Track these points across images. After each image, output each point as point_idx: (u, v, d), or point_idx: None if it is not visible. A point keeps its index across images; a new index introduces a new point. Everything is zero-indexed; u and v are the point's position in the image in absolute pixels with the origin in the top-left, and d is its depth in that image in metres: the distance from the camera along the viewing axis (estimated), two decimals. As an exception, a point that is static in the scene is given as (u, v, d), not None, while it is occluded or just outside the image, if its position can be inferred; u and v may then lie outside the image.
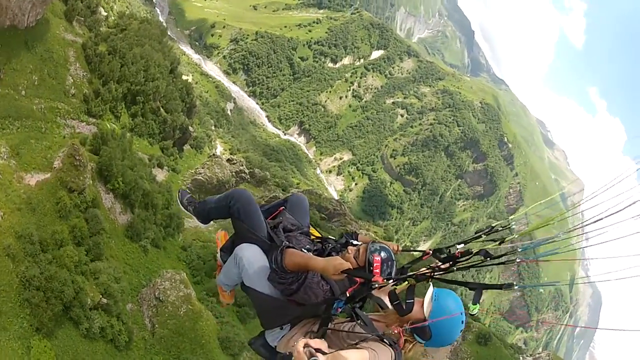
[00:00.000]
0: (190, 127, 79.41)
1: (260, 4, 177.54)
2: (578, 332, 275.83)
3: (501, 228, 4.98)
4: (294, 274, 4.59)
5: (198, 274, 53.69)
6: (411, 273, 4.23)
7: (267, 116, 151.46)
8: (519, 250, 3.93)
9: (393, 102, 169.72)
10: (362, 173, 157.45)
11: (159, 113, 71.45)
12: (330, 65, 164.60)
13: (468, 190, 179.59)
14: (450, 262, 4.22)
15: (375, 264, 4.46)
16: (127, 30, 73.00)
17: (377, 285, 4.24)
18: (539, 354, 54.84)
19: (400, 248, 5.80)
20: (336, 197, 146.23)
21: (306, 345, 3.48)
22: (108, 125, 60.38)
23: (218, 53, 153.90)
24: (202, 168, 75.95)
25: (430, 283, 4.33)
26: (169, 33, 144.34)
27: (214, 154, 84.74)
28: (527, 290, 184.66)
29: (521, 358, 54.45)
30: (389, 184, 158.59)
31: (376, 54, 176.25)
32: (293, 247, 4.84)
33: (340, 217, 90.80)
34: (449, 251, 4.57)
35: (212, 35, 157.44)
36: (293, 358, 3.52)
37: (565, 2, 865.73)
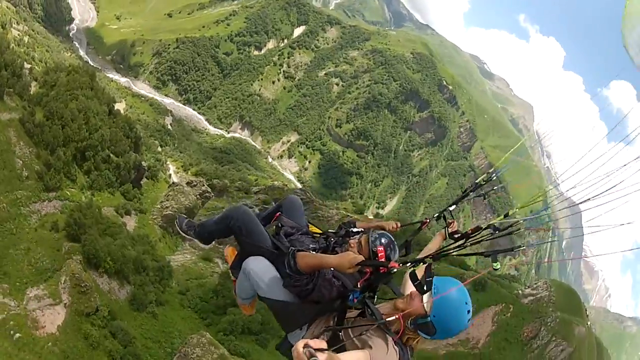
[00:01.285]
0: (142, 163, 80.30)
1: (175, 10, 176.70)
2: (565, 245, 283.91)
3: (484, 182, 5.69)
4: (308, 276, 4.71)
5: (207, 315, 53.73)
6: (427, 254, 4.37)
7: (206, 119, 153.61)
8: (522, 221, 4.36)
9: (325, 74, 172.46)
10: (312, 150, 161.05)
11: (110, 160, 71.72)
12: (256, 53, 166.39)
13: (419, 139, 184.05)
14: (464, 240, 4.54)
15: (379, 254, 4.69)
16: (56, 85, 72.58)
17: (394, 271, 4.39)
18: (536, 283, 57.19)
19: (399, 225, 5.99)
20: (295, 181, 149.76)
21: (306, 346, 3.48)
22: (67, 192, 60.75)
23: (144, 70, 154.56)
24: (167, 200, 76.31)
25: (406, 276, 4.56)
26: (91, 63, 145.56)
27: (173, 183, 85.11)
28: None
29: (520, 292, 56.12)
30: (341, 153, 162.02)
31: (298, 31, 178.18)
32: (302, 250, 4.98)
33: (308, 204, 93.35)
34: (447, 223, 5.14)
35: (134, 54, 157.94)
36: (293, 358, 3.54)
37: None
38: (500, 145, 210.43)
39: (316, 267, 4.64)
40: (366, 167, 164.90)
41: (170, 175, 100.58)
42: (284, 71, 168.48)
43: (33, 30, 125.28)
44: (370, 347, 4.02)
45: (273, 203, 58.19)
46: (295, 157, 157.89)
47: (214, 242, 6.14)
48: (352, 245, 5.01)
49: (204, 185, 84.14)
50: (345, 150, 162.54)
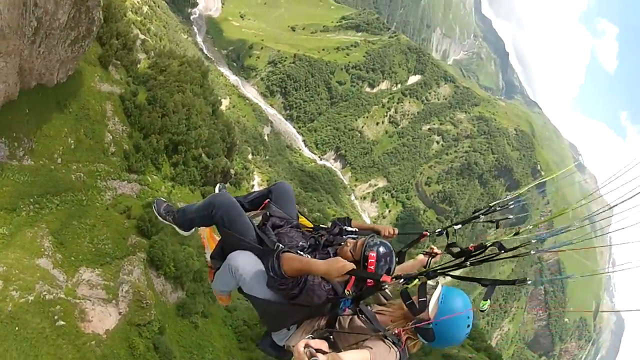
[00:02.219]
0: (231, 170, 79.49)
1: (299, 26, 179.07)
2: (600, 358, 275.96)
3: (499, 208, 5.26)
4: (293, 279, 4.48)
5: (244, 339, 53.41)
6: (422, 271, 4.11)
7: (303, 140, 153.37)
8: (533, 241, 3.90)
9: (429, 129, 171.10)
10: (396, 200, 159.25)
11: (201, 159, 71.19)
12: (368, 90, 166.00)
13: (500, 217, 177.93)
14: (464, 257, 4.18)
15: (370, 260, 4.43)
16: (166, 71, 71.80)
17: (386, 287, 4.20)
18: None
19: (396, 232, 5.82)
20: (368, 222, 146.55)
21: (306, 346, 3.52)
22: (149, 178, 59.71)
23: (256, 75, 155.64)
24: None
25: (439, 283, 4.27)
26: (205, 52, 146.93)
27: None
28: (552, 320, 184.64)
29: None
30: (422, 211, 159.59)
31: (413, 79, 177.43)
32: (288, 251, 4.70)
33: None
34: (454, 244, 4.67)
35: (250, 56, 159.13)
36: (293, 358, 3.57)
37: (597, 25, 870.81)
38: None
39: (301, 272, 4.43)
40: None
41: (253, 186, 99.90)
42: (390, 115, 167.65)
43: (154, 3, 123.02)
44: (370, 348, 3.97)
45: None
46: (377, 202, 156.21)
47: (193, 230, 5.78)
48: (348, 243, 4.76)
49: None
50: (426, 210, 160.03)
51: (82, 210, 46.78)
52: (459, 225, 5.55)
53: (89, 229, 45.33)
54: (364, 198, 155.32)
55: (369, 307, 4.45)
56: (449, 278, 4.37)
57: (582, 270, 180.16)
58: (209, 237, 6.01)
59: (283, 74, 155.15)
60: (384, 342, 4.09)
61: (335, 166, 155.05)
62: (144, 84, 66.90)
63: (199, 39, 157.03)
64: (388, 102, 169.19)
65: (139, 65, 70.39)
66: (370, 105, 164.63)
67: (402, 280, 4.12)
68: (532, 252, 3.89)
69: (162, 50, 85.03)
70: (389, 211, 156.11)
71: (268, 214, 5.51)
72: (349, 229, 5.37)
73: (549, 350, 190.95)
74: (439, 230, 5.72)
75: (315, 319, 4.66)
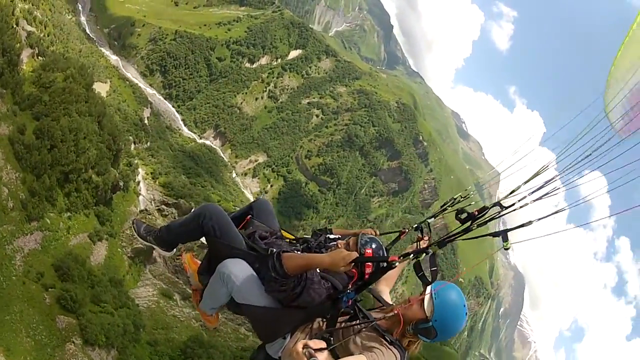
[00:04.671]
0: (120, 182, 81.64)
1: (181, 0, 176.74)
2: (503, 311, 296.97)
3: (462, 198, 5.82)
4: (294, 278, 4.52)
5: None
6: (432, 242, 4.34)
7: (182, 120, 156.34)
8: (526, 197, 4.31)
9: (309, 103, 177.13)
10: (277, 175, 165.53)
11: (91, 180, 73.50)
12: (248, 65, 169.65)
13: (382, 187, 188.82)
14: (470, 221, 4.40)
15: (367, 255, 4.66)
16: (50, 88, 73.33)
17: (396, 264, 4.32)
18: None
19: (377, 233, 5.82)
20: (251, 199, 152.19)
21: (305, 346, 3.65)
22: (47, 220, 62.88)
23: (136, 54, 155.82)
24: None
25: (383, 289, 4.70)
26: (87, 31, 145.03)
27: (145, 210, 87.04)
28: (446, 280, 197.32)
29: None
30: (304, 184, 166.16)
31: (294, 53, 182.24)
32: (287, 251, 4.81)
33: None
34: (463, 210, 4.69)
35: (132, 34, 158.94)
36: (292, 359, 3.69)
37: (493, 8, 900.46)
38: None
39: (306, 267, 4.54)
40: (325, 203, 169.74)
41: (139, 182, 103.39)
42: (269, 90, 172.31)
43: None
44: (369, 350, 4.15)
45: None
46: (258, 178, 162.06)
47: (175, 250, 5.96)
48: (340, 246, 5.02)
49: (174, 214, 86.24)
50: (308, 183, 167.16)
51: (7, 297, 49.57)
52: (432, 219, 5.97)
53: (19, 318, 48.67)
54: (245, 174, 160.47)
55: (369, 311, 4.65)
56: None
57: (477, 254, 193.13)
58: (190, 261, 5.99)
59: (163, 51, 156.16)
60: (381, 342, 4.23)
61: (215, 144, 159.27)
62: (30, 108, 68.82)
63: (82, 18, 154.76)
64: (267, 77, 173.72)
65: (22, 72, 71.99)
66: (250, 80, 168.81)
67: (411, 255, 4.27)
68: (529, 203, 4.26)
69: (45, 62, 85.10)
70: (271, 186, 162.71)
71: (252, 228, 5.61)
72: (332, 236, 5.52)
73: None
74: (415, 225, 6.01)
75: (309, 325, 4.72)
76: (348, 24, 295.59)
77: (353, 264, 4.40)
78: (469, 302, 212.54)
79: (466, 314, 4.40)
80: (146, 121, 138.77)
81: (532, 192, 4.37)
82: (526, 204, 4.27)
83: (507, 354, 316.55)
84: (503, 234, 4.11)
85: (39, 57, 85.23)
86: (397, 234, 6.33)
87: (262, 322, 4.82)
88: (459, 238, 4.31)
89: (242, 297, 4.79)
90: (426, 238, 6.00)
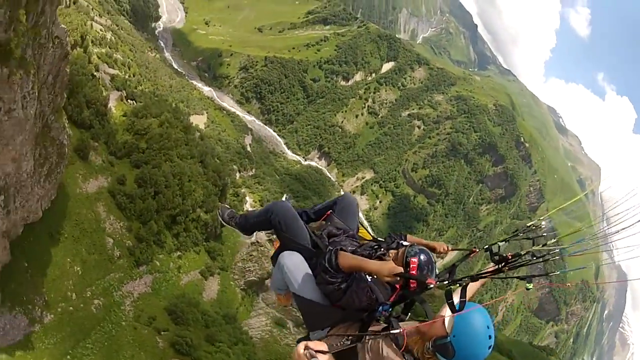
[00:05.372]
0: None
1: (265, 26, 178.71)
2: (606, 314, 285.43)
3: (534, 227, 5.39)
4: (344, 275, 4.72)
5: None
6: (465, 276, 4.31)
7: (285, 143, 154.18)
8: (558, 250, 4.25)
9: (409, 115, 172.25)
10: (385, 190, 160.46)
11: (199, 219, 71.39)
12: (343, 83, 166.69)
13: (490, 194, 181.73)
14: (502, 263, 4.41)
15: (412, 266, 4.52)
16: (146, 135, 70.85)
17: (431, 287, 4.32)
18: None
19: (449, 248, 5.95)
20: (363, 219, 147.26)
21: (306, 347, 3.56)
22: (157, 262, 60.92)
23: (229, 83, 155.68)
24: (249, 261, 77.06)
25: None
26: (174, 65, 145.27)
27: (257, 242, 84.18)
28: (555, 289, 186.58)
29: None
30: (412, 197, 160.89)
31: (387, 66, 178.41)
32: (344, 249, 4.94)
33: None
34: (499, 251, 4.84)
35: (221, 64, 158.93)
36: (294, 359, 3.62)
37: None
38: (568, 209, 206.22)
39: (356, 268, 4.66)
40: (434, 215, 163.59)
41: (257, 241, 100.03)
42: (368, 106, 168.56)
43: (117, 25, 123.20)
44: (382, 357, 4.10)
45: None
46: (367, 195, 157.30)
47: (255, 234, 6.60)
48: (391, 254, 4.87)
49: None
50: (416, 195, 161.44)
51: (116, 343, 48.02)
52: (503, 243, 5.72)
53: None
54: (353, 192, 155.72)
55: (399, 321, 4.57)
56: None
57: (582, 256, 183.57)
58: (276, 242, 6.12)
59: (256, 78, 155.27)
60: (396, 355, 4.17)
61: (321, 164, 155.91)
62: (127, 156, 66.76)
63: (167, 54, 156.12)
64: (364, 93, 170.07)
65: (112, 119, 69.54)
66: (347, 98, 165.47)
67: (446, 282, 4.29)
68: (559, 257, 4.29)
69: (137, 107, 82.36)
70: (380, 202, 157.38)
71: (327, 223, 5.83)
72: (405, 243, 5.31)
73: (555, 315, 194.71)
74: (486, 247, 5.63)
75: (347, 324, 4.83)
76: (433, 29, 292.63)
77: (397, 277, 4.45)
78: (576, 307, 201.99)
79: (490, 337, 4.13)
80: (249, 148, 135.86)
81: (573, 244, 4.41)
82: (556, 257, 4.39)
83: (608, 357, 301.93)
84: (528, 279, 4.21)
85: (129, 100, 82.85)
86: (468, 252, 6.07)
87: (307, 312, 5.14)
88: (490, 276, 4.50)
89: (293, 286, 5.12)
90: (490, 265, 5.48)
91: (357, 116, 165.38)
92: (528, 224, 5.50)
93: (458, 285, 4.25)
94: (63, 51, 38.62)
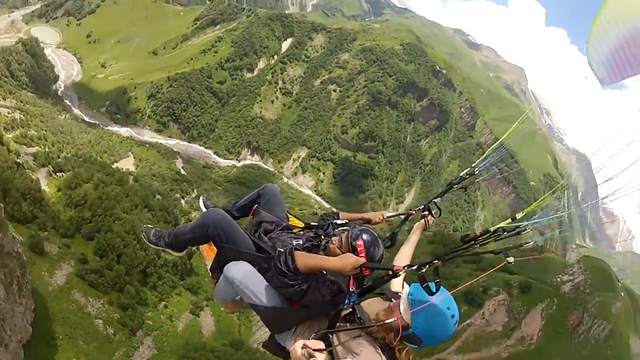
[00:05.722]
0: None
1: (158, 47, 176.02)
2: (581, 196, 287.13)
3: (467, 176, 5.80)
4: (303, 275, 4.59)
5: None
6: (434, 258, 4.19)
7: (215, 153, 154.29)
8: (526, 223, 4.40)
9: (321, 82, 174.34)
10: (324, 161, 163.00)
11: (167, 262, 72.07)
12: (249, 75, 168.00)
13: (424, 128, 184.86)
14: (473, 242, 4.43)
15: (359, 249, 4.63)
16: (87, 202, 71.16)
17: (400, 274, 4.33)
18: (571, 269, 59.35)
19: (385, 216, 6.03)
20: (314, 195, 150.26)
21: (304, 346, 3.63)
22: (149, 322, 62.29)
23: (142, 116, 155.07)
24: None
25: (404, 283, 4.54)
26: (86, 119, 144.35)
27: None
28: (520, 189, 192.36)
29: (559, 279, 58.61)
30: (352, 158, 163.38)
31: (285, 44, 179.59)
32: (298, 249, 4.85)
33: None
34: (439, 210, 5.50)
35: (129, 100, 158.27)
36: (291, 358, 3.68)
37: None
38: (502, 116, 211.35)
39: (316, 268, 4.56)
40: (379, 167, 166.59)
41: None
42: (280, 88, 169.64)
43: (22, 102, 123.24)
44: (357, 355, 4.07)
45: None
46: (309, 172, 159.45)
47: (186, 250, 5.97)
48: (334, 242, 4.94)
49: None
50: (355, 155, 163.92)
51: None
52: (438, 198, 5.94)
53: None
54: (295, 174, 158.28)
55: (365, 313, 4.53)
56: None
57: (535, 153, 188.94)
58: (208, 250, 5.98)
59: (166, 101, 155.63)
60: (374, 346, 4.18)
61: (255, 159, 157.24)
62: (78, 231, 66.94)
63: (76, 111, 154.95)
64: (272, 77, 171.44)
65: (50, 200, 69.82)
66: (258, 87, 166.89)
67: (415, 267, 4.25)
68: (529, 229, 4.39)
69: (55, 157, 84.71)
70: (323, 173, 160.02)
71: (259, 221, 5.70)
72: (339, 222, 5.52)
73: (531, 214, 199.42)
74: (422, 206, 5.95)
75: (316, 321, 4.81)
76: None
77: (362, 268, 4.39)
78: (547, 201, 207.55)
79: (453, 316, 4.09)
80: (182, 171, 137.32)
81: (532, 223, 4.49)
82: (524, 230, 4.37)
83: (601, 235, 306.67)
84: (503, 252, 4.11)
85: (57, 173, 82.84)
86: (405, 215, 6.08)
87: (269, 319, 4.96)
88: (462, 254, 4.39)
89: (249, 297, 4.92)
90: (430, 218, 5.90)
91: (272, 102, 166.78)
92: (461, 174, 5.83)
93: (428, 266, 4.18)
94: None
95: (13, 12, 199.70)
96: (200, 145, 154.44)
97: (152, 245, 6.09)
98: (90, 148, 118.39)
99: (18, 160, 76.29)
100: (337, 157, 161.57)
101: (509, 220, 4.54)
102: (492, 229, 4.38)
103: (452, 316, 4.06)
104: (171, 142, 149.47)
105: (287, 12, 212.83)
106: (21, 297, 43.25)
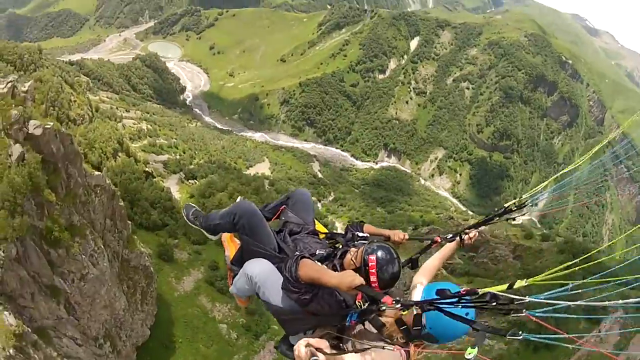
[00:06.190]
0: None
1: (286, 54, 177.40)
2: None
3: (515, 207, 5.12)
4: (306, 285, 4.50)
5: None
6: (418, 301, 3.95)
7: (352, 155, 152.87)
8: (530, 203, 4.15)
9: (453, 80, 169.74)
10: (461, 162, 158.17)
11: None
12: (381, 76, 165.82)
13: (556, 124, 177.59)
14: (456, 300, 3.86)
15: (370, 264, 4.40)
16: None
17: (384, 308, 4.08)
18: None
19: (406, 237, 5.60)
20: (450, 198, 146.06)
21: (307, 345, 3.57)
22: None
23: (276, 121, 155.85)
24: None
25: (418, 284, 4.39)
26: (219, 126, 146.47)
27: None
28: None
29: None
30: (489, 158, 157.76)
31: (414, 43, 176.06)
32: (309, 257, 4.69)
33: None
34: (467, 237, 4.79)
35: (261, 107, 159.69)
36: (295, 357, 3.62)
37: None
38: (628, 108, 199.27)
39: (315, 281, 4.46)
40: (514, 167, 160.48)
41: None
42: (413, 88, 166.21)
43: (147, 113, 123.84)
44: (372, 355, 4.08)
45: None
46: (445, 173, 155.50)
47: (219, 235, 5.93)
48: (352, 252, 4.77)
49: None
50: (491, 155, 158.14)
51: None
52: (472, 229, 5.44)
53: None
54: (432, 176, 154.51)
55: (378, 317, 4.44)
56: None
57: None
58: (229, 240, 6.07)
59: (300, 106, 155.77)
60: (387, 349, 4.11)
61: (392, 161, 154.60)
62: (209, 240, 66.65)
63: (207, 119, 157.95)
64: (405, 77, 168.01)
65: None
66: (392, 89, 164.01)
67: (399, 305, 3.97)
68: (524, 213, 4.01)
69: (187, 164, 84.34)
70: (460, 175, 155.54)
71: (285, 221, 5.67)
72: (361, 234, 5.34)
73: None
74: (451, 235, 5.48)
75: (329, 327, 4.72)
76: None
77: (358, 291, 4.29)
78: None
79: (467, 314, 3.88)
80: (320, 175, 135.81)
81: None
82: (521, 310, 3.63)
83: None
84: (480, 334, 3.70)
85: (189, 180, 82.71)
86: (429, 241, 5.71)
87: (281, 319, 5.05)
88: (443, 308, 3.91)
89: (264, 295, 4.97)
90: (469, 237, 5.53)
91: (407, 102, 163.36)
92: (506, 205, 5.26)
93: (413, 310, 4.02)
94: (108, 193, 38.79)
95: (124, 31, 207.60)
96: (337, 148, 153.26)
97: (189, 223, 6.17)
98: (224, 154, 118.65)
99: (147, 169, 75.67)
100: (473, 157, 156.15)
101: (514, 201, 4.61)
102: (480, 292, 3.71)
103: (467, 314, 3.82)
104: (307, 146, 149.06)
105: (409, 9, 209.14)
106: (144, 305, 42.83)
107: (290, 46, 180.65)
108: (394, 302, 4.06)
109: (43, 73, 69.98)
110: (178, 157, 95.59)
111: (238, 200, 6.24)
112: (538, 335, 3.13)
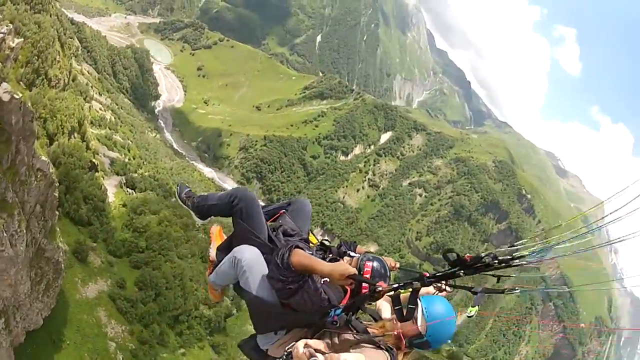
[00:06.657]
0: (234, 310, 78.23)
1: (263, 104, 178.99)
2: (624, 341, 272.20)
3: (509, 257, 4.71)
4: (295, 274, 4.49)
5: None
6: (416, 278, 4.16)
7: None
8: (528, 254, 3.90)
9: (409, 183, 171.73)
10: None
11: (202, 316, 70.26)
12: (342, 158, 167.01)
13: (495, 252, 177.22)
14: (458, 267, 4.13)
15: (365, 269, 4.46)
16: (146, 233, 69.85)
17: (381, 290, 4.22)
18: None
19: (397, 265, 5.75)
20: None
21: (306, 346, 3.62)
22: None
23: (229, 163, 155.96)
24: None
25: (419, 298, 4.36)
26: (175, 146, 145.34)
27: None
28: (568, 331, 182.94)
29: None
30: (418, 266, 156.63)
31: (385, 136, 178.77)
32: (301, 248, 4.72)
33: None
34: (458, 255, 4.43)
35: (221, 144, 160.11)
36: (292, 358, 3.64)
37: (554, 33, 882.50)
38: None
39: (308, 268, 4.49)
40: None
41: None
42: (369, 179, 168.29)
43: (117, 104, 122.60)
44: (369, 354, 4.09)
45: None
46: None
47: (209, 219, 5.85)
48: (346, 260, 4.84)
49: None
50: (422, 264, 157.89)
51: None
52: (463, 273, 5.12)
53: None
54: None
55: (360, 322, 4.48)
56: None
57: (590, 276, 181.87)
58: (218, 235, 6.00)
59: (256, 158, 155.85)
60: (376, 348, 4.17)
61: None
62: (127, 255, 65.94)
63: (167, 134, 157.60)
64: (364, 166, 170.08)
65: (112, 210, 68.85)
66: (348, 173, 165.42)
67: (396, 285, 4.24)
68: (524, 263, 3.95)
69: (132, 171, 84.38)
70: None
71: (281, 222, 5.63)
72: (352, 254, 5.21)
73: (572, 357, 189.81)
74: (438, 274, 5.20)
75: (304, 330, 4.72)
76: (427, 91, 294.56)
77: (350, 280, 4.39)
78: (592, 344, 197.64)
79: (455, 319, 4.40)
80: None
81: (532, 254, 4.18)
82: (520, 265, 4.08)
83: None
84: (480, 294, 4.25)
85: (128, 189, 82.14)
86: (418, 275, 5.22)
87: (257, 312, 4.95)
88: (442, 283, 4.41)
89: (246, 282, 4.87)
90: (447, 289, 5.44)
91: (358, 190, 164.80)
92: (494, 251, 4.95)
93: (409, 289, 4.20)
94: (48, 181, 38.84)
95: (130, 15, 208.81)
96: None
97: (180, 203, 6.05)
98: (170, 176, 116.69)
99: (94, 160, 75.41)
100: (404, 261, 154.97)
101: (506, 246, 4.29)
102: (483, 254, 4.08)
103: (453, 314, 4.31)
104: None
105: (393, 103, 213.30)
106: (45, 296, 43.39)
107: (270, 97, 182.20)
108: (389, 285, 4.37)
109: (45, 19, 69.81)
110: (127, 160, 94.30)
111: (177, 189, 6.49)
112: (533, 289, 4.25)
